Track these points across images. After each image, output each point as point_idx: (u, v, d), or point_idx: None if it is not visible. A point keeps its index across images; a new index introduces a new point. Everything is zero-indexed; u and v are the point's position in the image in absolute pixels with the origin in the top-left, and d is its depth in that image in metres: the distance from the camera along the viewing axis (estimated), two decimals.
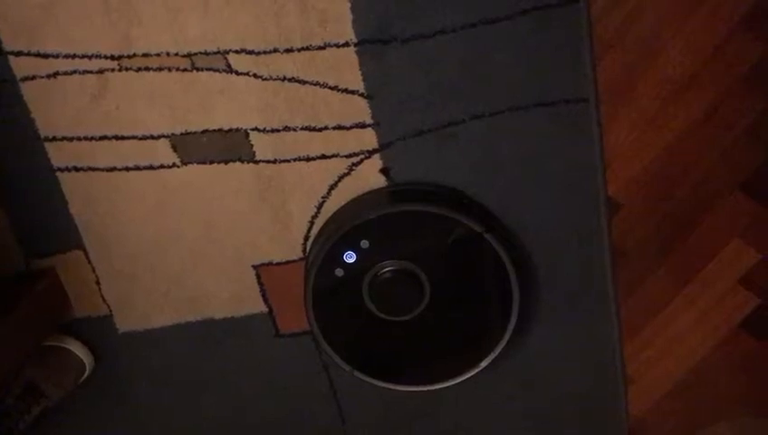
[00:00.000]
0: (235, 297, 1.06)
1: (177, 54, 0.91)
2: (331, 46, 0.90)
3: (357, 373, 1.03)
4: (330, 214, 0.99)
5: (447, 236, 0.95)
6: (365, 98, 0.93)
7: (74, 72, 0.93)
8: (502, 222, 0.98)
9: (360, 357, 1.03)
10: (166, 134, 0.96)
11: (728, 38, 0.88)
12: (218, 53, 0.91)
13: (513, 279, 0.96)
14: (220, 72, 0.92)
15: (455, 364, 1.02)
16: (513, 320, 0.98)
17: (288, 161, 0.97)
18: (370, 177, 0.97)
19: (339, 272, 0.97)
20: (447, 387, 1.03)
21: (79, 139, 0.97)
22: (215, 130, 0.96)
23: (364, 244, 0.95)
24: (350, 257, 0.96)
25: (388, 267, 0.97)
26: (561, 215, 0.98)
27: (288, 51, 0.90)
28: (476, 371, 1.01)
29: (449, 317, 1.00)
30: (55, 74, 0.93)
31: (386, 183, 0.97)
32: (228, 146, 0.96)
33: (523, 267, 0.98)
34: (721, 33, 0.88)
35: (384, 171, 0.96)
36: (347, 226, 0.95)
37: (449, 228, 0.94)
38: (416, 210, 0.94)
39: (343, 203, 0.98)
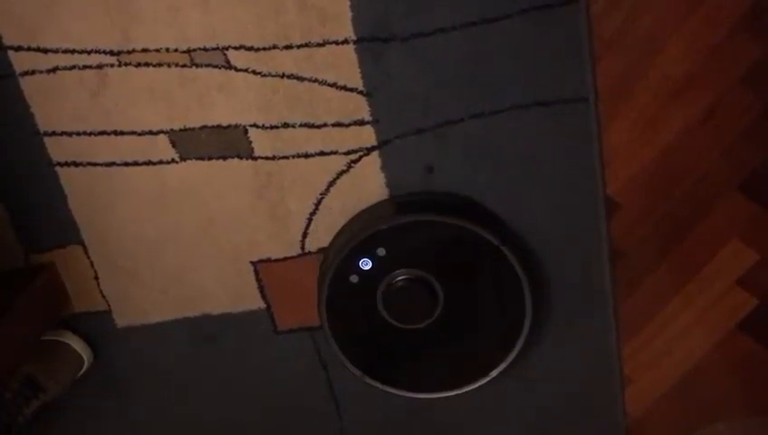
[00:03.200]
0: (234, 293, 1.06)
1: (176, 50, 0.91)
2: (331, 43, 0.90)
3: (368, 380, 1.03)
4: (328, 211, 0.99)
5: (463, 247, 0.95)
6: (364, 95, 0.93)
7: (74, 67, 0.93)
8: (518, 235, 0.98)
9: (371, 363, 1.04)
10: (165, 130, 0.96)
11: (727, 38, 0.88)
12: (217, 49, 0.91)
13: (527, 293, 0.96)
14: (219, 69, 0.92)
15: (464, 373, 1.03)
16: (525, 332, 0.99)
17: (287, 158, 0.97)
18: (369, 174, 0.97)
19: (354, 278, 0.97)
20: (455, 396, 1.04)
21: (78, 134, 0.97)
22: (213, 127, 0.96)
23: (380, 252, 0.95)
24: (366, 265, 0.96)
25: (402, 276, 0.97)
26: (560, 214, 0.98)
27: (287, 47, 0.90)
28: (486, 380, 1.02)
29: (461, 326, 1.00)
30: (55, 69, 0.94)
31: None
32: (227, 142, 0.96)
33: (536, 279, 0.98)
34: (720, 32, 0.88)
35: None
36: (364, 233, 0.95)
37: (465, 239, 0.94)
38: (433, 220, 0.95)
39: (344, 201, 0.98)
